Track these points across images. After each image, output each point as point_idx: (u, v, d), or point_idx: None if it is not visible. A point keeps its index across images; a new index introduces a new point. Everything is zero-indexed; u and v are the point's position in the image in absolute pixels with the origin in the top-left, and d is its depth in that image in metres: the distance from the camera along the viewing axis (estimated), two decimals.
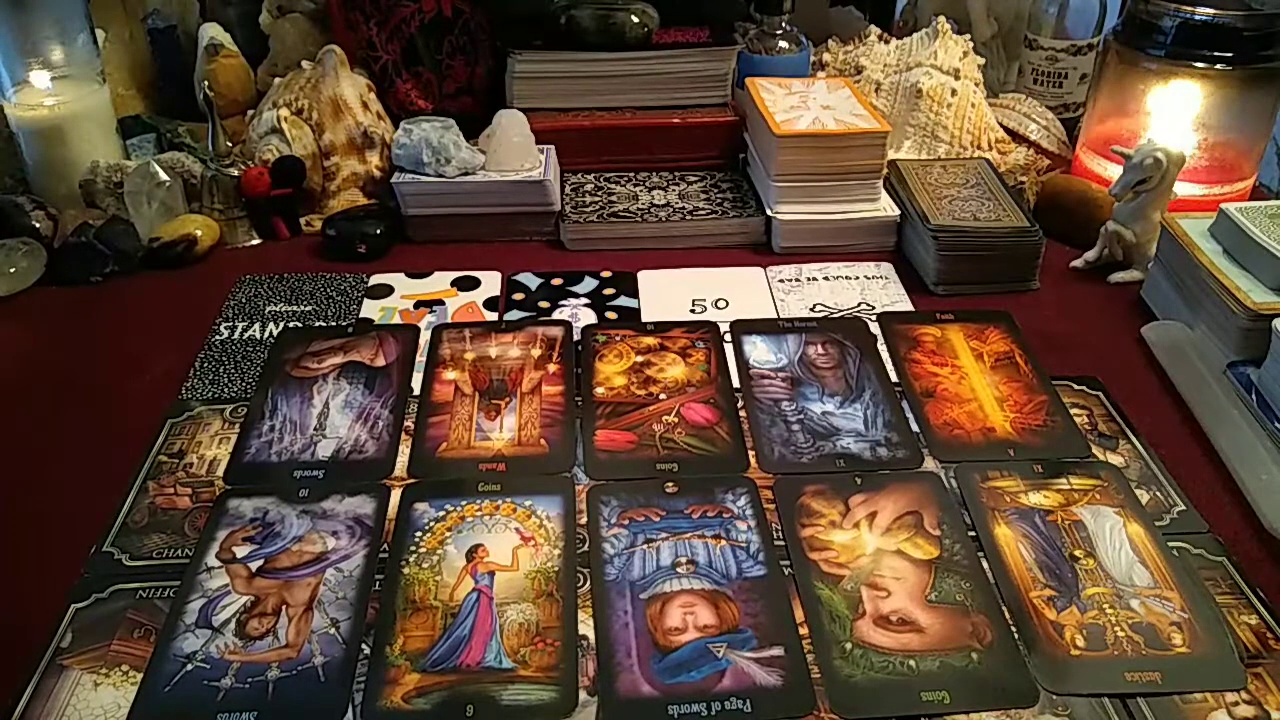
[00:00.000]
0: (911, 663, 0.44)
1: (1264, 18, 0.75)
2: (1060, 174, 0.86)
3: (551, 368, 0.63)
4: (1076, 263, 0.77)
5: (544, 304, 0.71)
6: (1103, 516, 0.52)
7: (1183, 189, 0.77)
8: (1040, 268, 0.74)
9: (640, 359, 0.64)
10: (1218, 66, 0.76)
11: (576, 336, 0.67)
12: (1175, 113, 0.79)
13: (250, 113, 0.86)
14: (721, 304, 0.71)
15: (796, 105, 0.80)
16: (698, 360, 0.64)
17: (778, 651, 0.44)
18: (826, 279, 0.75)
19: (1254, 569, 0.49)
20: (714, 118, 0.88)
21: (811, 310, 0.71)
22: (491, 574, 0.48)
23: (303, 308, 0.71)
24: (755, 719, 0.42)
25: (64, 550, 0.50)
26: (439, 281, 0.74)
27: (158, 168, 0.77)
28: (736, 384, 0.63)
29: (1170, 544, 0.50)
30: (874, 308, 0.71)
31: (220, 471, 0.55)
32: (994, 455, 0.57)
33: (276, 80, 0.86)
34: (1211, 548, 0.50)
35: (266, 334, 0.67)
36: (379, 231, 0.78)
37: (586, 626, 0.46)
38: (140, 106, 0.93)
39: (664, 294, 0.73)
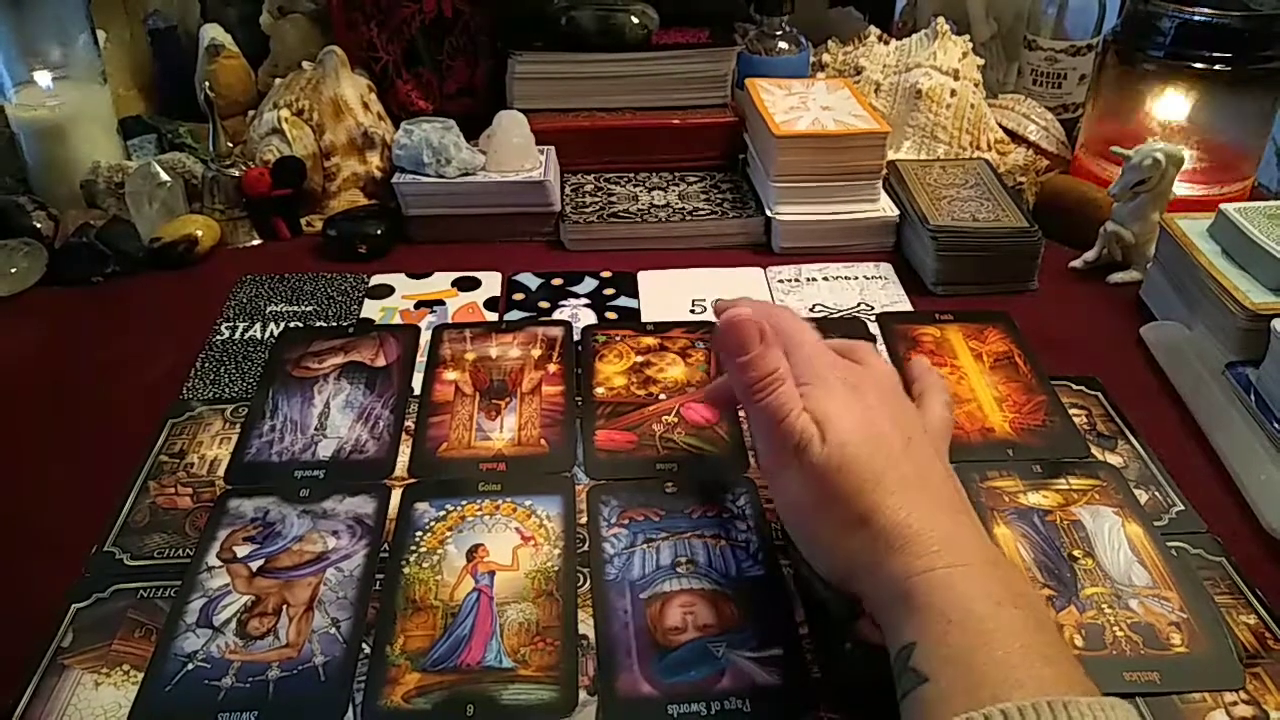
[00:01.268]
0: None
1: (1263, 18, 0.75)
2: (1059, 174, 0.86)
3: (551, 368, 0.63)
4: (1075, 263, 0.77)
5: (544, 304, 0.71)
6: (1102, 516, 0.52)
7: (1181, 189, 0.77)
8: (1039, 268, 0.74)
9: (640, 359, 0.65)
10: (1217, 67, 0.76)
11: (576, 337, 0.67)
12: (1174, 113, 0.79)
13: (251, 113, 0.87)
14: None
15: (796, 106, 0.80)
16: (698, 360, 0.65)
17: (777, 651, 0.45)
18: (826, 279, 0.75)
19: (1253, 569, 0.49)
20: (714, 118, 0.88)
21: (811, 311, 0.71)
22: (491, 574, 0.48)
23: (303, 308, 0.71)
24: (754, 719, 0.42)
25: (64, 550, 0.50)
26: (439, 282, 0.74)
27: (159, 168, 0.77)
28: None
29: (1169, 544, 0.50)
30: (873, 308, 0.71)
31: (221, 471, 0.55)
32: (993, 455, 0.57)
33: (277, 81, 0.86)
34: (1210, 548, 0.51)
35: (267, 334, 0.67)
36: (379, 232, 0.78)
37: (586, 626, 0.46)
38: (141, 107, 0.93)
39: (664, 294, 0.73)
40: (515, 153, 0.80)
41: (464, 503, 0.53)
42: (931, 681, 0.36)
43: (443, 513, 0.52)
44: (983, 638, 0.36)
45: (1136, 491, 0.54)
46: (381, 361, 0.64)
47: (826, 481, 0.42)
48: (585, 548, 0.50)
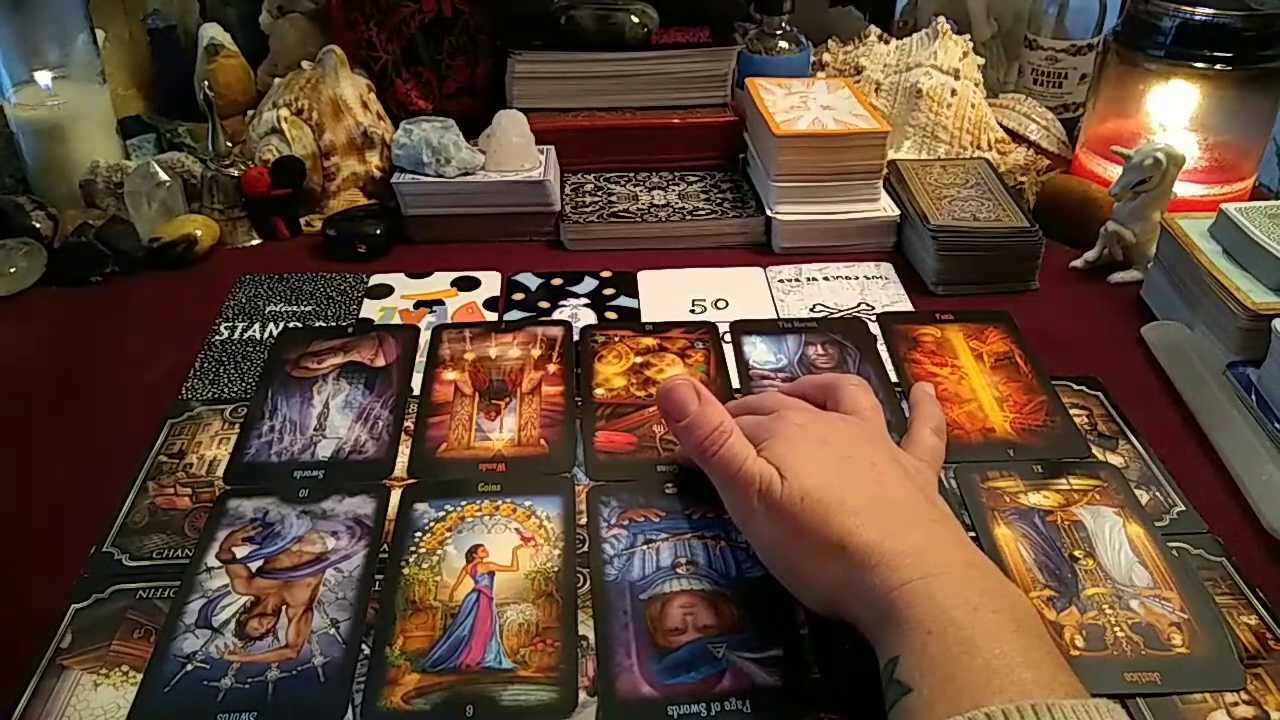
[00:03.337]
0: None
1: (1264, 18, 0.75)
2: (1060, 174, 0.86)
3: (551, 368, 0.63)
4: (1076, 263, 0.77)
5: (544, 304, 0.71)
6: (1102, 517, 0.52)
7: (1182, 189, 0.77)
8: (1040, 268, 0.74)
9: (639, 360, 0.64)
10: (1217, 67, 0.76)
11: (576, 337, 0.67)
12: (1175, 113, 0.79)
13: (250, 113, 0.86)
14: (721, 304, 0.71)
15: (796, 105, 0.80)
16: (697, 361, 0.64)
17: (777, 652, 0.44)
18: (826, 279, 0.75)
19: (1254, 569, 0.49)
20: (714, 118, 0.88)
21: (811, 310, 0.71)
22: (491, 574, 0.48)
23: (303, 308, 0.71)
24: (755, 719, 0.42)
25: (64, 550, 0.50)
26: (439, 281, 0.74)
27: (158, 168, 0.77)
28: (736, 384, 0.63)
29: (1170, 544, 0.50)
30: (874, 308, 0.71)
31: (220, 472, 0.55)
32: (993, 455, 0.57)
33: (276, 80, 0.86)
34: (1211, 548, 0.50)
35: (266, 334, 0.67)
36: (379, 231, 0.78)
37: (586, 627, 0.46)
38: (140, 106, 0.93)
39: (664, 294, 0.73)
40: (515, 152, 0.80)
41: (463, 503, 0.52)
42: (915, 692, 0.36)
43: (442, 513, 0.52)
44: (961, 646, 0.36)
45: (1137, 492, 0.54)
46: (381, 362, 0.64)
47: (793, 515, 0.43)
48: (585, 548, 0.50)
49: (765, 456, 0.45)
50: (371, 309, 0.71)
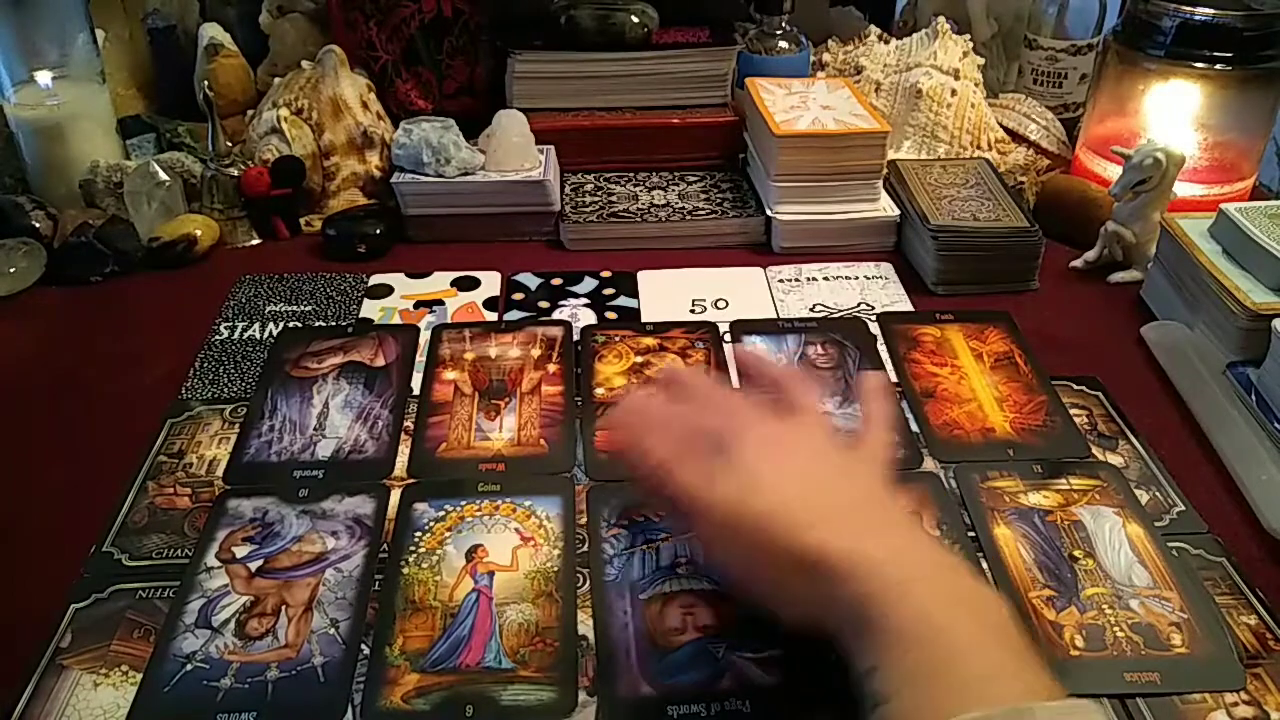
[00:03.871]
0: None
1: (1264, 18, 0.75)
2: (1060, 174, 0.86)
3: (551, 368, 0.63)
4: (1076, 263, 0.77)
5: (544, 304, 0.71)
6: (1102, 517, 0.52)
7: (1182, 189, 0.77)
8: (1040, 268, 0.74)
9: (640, 359, 0.64)
10: (1217, 66, 0.76)
11: (576, 337, 0.67)
12: (1175, 113, 0.79)
13: (250, 113, 0.87)
14: (721, 304, 0.71)
15: (796, 105, 0.80)
16: (697, 360, 0.64)
17: (777, 652, 0.44)
18: (826, 279, 0.75)
19: (1254, 569, 0.49)
20: (714, 118, 0.88)
21: (811, 310, 0.71)
22: (491, 574, 0.48)
23: (302, 308, 0.71)
24: (754, 719, 0.42)
25: (64, 550, 0.50)
26: (439, 281, 0.74)
27: (158, 167, 0.77)
28: (736, 384, 0.63)
29: (1170, 544, 0.50)
30: (874, 308, 0.71)
31: (220, 471, 0.55)
32: (993, 455, 0.57)
33: (276, 80, 0.86)
34: (1211, 548, 0.50)
35: (266, 334, 0.67)
36: (379, 231, 0.78)
37: (586, 627, 0.46)
38: (140, 106, 0.93)
39: (664, 294, 0.73)
40: (515, 152, 0.80)
41: (463, 503, 0.52)
42: (894, 700, 0.36)
43: (442, 513, 0.52)
44: (940, 652, 0.36)
45: (1137, 492, 0.54)
46: (380, 361, 0.64)
47: (765, 532, 0.41)
48: (585, 548, 0.50)
49: (727, 475, 0.43)
50: (371, 309, 0.71)
